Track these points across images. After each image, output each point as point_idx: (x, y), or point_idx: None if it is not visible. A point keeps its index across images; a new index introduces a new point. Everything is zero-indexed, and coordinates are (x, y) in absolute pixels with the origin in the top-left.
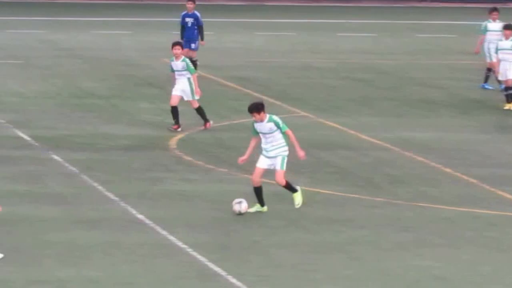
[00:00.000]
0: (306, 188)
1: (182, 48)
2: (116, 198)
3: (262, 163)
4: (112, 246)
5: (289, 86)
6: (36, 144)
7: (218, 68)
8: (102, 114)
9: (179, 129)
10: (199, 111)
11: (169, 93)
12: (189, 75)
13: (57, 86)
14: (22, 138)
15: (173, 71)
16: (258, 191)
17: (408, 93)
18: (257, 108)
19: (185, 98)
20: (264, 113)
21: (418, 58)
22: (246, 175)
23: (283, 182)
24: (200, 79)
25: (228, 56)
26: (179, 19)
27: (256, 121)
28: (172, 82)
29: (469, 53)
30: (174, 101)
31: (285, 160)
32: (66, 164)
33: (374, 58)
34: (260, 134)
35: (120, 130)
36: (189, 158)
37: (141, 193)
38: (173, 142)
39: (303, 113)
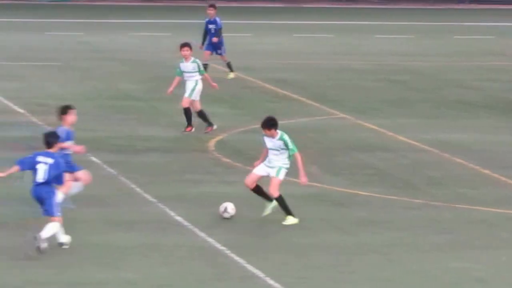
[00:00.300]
0: (345, 190)
1: (191, 49)
2: (154, 200)
3: (260, 169)
4: (150, 248)
5: (327, 88)
6: None
7: (256, 70)
8: (141, 116)
9: (193, 130)
10: (201, 114)
11: (208, 95)
12: (198, 77)
13: (95, 88)
14: None
15: (180, 73)
16: (257, 191)
17: (445, 94)
18: (266, 124)
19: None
20: (276, 130)
21: (456, 59)
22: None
23: (276, 194)
24: (238, 80)
25: (266, 58)
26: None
27: (266, 135)
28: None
29: (507, 55)
30: (185, 103)
31: (283, 171)
32: (105, 166)
33: (411, 60)
34: (269, 149)
35: (158, 132)
36: (227, 160)
37: (180, 195)
38: (211, 144)
39: (341, 115)
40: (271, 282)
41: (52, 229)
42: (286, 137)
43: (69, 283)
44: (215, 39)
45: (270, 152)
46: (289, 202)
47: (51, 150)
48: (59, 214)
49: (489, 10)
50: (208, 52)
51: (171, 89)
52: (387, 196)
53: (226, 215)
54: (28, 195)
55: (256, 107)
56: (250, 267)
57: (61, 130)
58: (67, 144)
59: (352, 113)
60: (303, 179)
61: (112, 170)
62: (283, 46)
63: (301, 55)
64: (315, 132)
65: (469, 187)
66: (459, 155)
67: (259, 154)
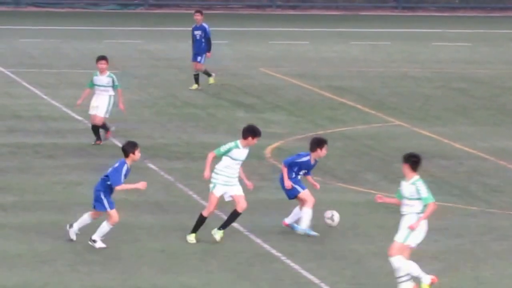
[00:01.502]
0: None
1: (108, 62)
2: None
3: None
4: (209, 254)
5: (384, 95)
6: None
7: (314, 77)
8: (199, 123)
9: (106, 140)
10: (101, 127)
11: (267, 103)
12: (112, 92)
13: (154, 95)
14: (119, 147)
15: (92, 86)
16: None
17: (504, 102)
18: (246, 132)
19: (95, 113)
20: (251, 139)
21: None
22: (341, 184)
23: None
24: (295, 88)
25: (324, 66)
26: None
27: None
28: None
29: None
30: (99, 120)
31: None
32: (162, 173)
33: (470, 68)
34: (236, 162)
35: (217, 139)
36: None
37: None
38: (268, 151)
39: (398, 122)
40: None
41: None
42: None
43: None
44: (209, 54)
45: (237, 165)
46: (348, 209)
47: None
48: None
49: None
50: (195, 62)
51: (79, 101)
52: (444, 204)
53: (329, 221)
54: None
55: (314, 114)
56: (305, 273)
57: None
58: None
59: (409, 121)
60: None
61: (169, 177)
62: (340, 53)
63: (358, 62)
64: (372, 139)
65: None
66: None
67: (318, 162)
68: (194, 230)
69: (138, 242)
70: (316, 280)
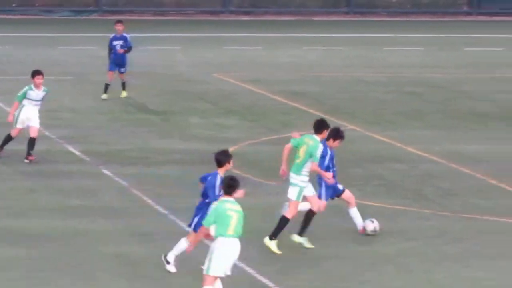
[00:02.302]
0: (357, 201)
1: (43, 76)
2: (166, 212)
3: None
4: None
5: (338, 100)
6: (88, 159)
7: (267, 83)
8: (154, 129)
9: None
10: (32, 142)
11: (220, 108)
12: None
13: (109, 101)
14: (73, 153)
15: (22, 99)
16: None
17: (457, 106)
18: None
19: (32, 124)
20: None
21: (467, 71)
22: None
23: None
24: (249, 93)
25: (277, 71)
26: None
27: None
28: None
29: None
30: (35, 132)
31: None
32: (117, 178)
33: (422, 72)
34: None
35: (171, 145)
36: (237, 172)
37: (192, 207)
38: None
39: (352, 127)
40: None
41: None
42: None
43: None
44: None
45: None
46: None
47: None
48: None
49: (498, 22)
50: (112, 72)
51: (11, 117)
52: (397, 207)
53: (373, 231)
54: None
55: (267, 119)
56: (260, 278)
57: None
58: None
59: (363, 125)
60: None
61: (124, 183)
62: (294, 58)
63: (312, 67)
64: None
65: (479, 197)
66: (468, 166)
67: (269, 166)
68: (275, 235)
69: (93, 247)
70: (270, 284)
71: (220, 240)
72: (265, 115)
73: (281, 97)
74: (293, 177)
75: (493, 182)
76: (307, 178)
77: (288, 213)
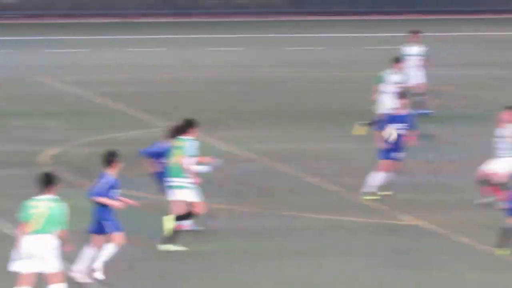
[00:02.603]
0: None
1: None
2: None
3: None
4: None
5: (158, 100)
6: None
7: (89, 84)
8: None
9: None
10: None
11: (42, 110)
12: None
13: None
14: None
15: None
16: None
17: (276, 104)
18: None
19: None
20: None
21: (286, 70)
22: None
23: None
24: (72, 95)
25: (100, 73)
26: None
27: None
28: None
29: (336, 65)
30: None
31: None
32: None
33: (241, 71)
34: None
35: None
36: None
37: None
38: (45, 158)
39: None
40: None
41: None
42: None
43: None
44: None
45: None
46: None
47: None
48: None
49: (318, 22)
50: None
51: None
52: (216, 206)
53: None
54: None
55: (89, 120)
56: None
57: None
58: None
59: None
60: None
61: None
62: (116, 60)
63: (134, 68)
64: (146, 144)
65: (295, 194)
66: (283, 164)
67: (90, 167)
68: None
69: None
70: None
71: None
72: (87, 117)
73: (103, 99)
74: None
75: (308, 179)
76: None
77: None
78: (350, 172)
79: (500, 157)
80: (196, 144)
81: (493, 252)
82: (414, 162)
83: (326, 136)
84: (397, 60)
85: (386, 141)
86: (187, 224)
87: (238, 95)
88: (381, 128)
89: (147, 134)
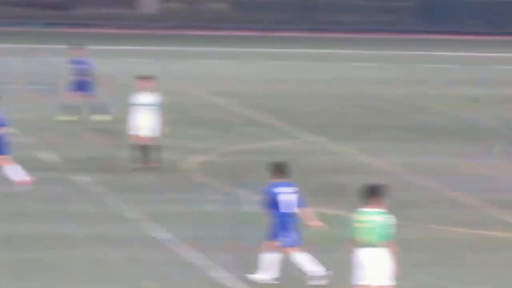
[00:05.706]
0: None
1: None
2: None
3: None
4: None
5: (301, 114)
6: None
7: (232, 96)
8: None
9: None
10: None
11: (183, 120)
12: None
13: None
14: None
15: None
16: None
17: (411, 120)
18: None
19: None
20: None
21: (421, 87)
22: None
23: None
24: (214, 106)
25: (243, 85)
26: None
27: None
28: None
29: (470, 83)
30: None
31: None
32: None
33: (380, 88)
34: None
35: None
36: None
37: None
38: (195, 165)
39: (312, 139)
40: None
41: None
42: None
43: None
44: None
45: None
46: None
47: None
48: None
49: (453, 41)
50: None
51: None
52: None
53: None
54: None
55: (232, 131)
56: (226, 282)
57: None
58: None
59: (323, 137)
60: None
61: None
62: (260, 73)
63: (278, 82)
64: (288, 154)
65: (427, 207)
66: (425, 177)
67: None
68: None
69: None
70: None
71: None
72: (230, 127)
73: (246, 110)
74: None
75: (445, 193)
76: None
77: None
78: (495, 188)
79: None
80: None
81: None
82: None
83: (462, 151)
84: None
85: None
86: None
87: (374, 110)
88: None
89: (289, 145)
